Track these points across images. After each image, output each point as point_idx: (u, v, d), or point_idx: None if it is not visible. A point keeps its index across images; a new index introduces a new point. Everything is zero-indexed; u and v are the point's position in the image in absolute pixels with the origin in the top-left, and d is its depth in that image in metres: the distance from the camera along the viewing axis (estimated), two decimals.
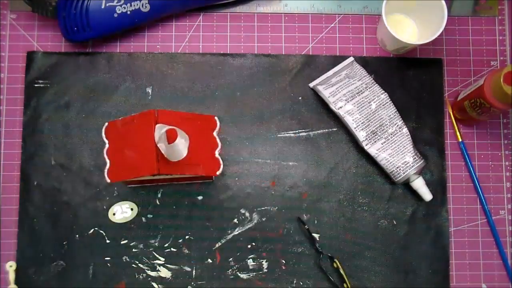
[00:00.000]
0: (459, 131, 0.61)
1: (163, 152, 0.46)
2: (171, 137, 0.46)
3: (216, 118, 0.53)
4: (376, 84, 0.59)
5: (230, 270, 0.58)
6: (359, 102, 0.58)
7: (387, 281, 0.58)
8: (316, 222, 0.59)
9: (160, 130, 0.45)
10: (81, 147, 0.59)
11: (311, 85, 0.61)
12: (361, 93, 0.58)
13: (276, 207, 0.59)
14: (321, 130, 0.60)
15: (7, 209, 0.59)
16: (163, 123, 0.47)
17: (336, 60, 0.61)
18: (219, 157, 0.52)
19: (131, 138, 0.49)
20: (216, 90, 0.61)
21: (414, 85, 0.61)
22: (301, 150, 0.60)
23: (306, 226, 0.58)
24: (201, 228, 0.58)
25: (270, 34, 0.62)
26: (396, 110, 0.58)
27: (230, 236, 0.58)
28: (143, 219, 0.58)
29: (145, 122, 0.48)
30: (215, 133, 0.52)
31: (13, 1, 0.61)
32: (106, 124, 0.52)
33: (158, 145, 0.45)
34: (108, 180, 0.50)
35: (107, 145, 0.51)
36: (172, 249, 0.58)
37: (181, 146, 0.46)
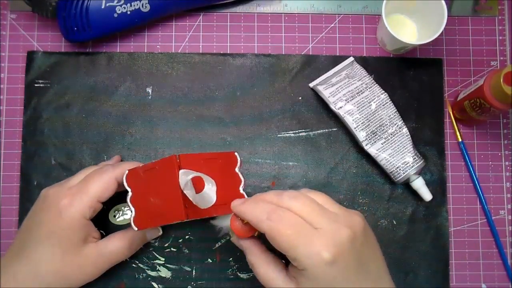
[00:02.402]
0: (459, 131, 0.61)
1: (191, 199, 0.45)
2: (198, 187, 0.45)
3: (236, 154, 0.52)
4: (376, 84, 0.59)
5: (230, 270, 0.58)
6: (359, 102, 0.58)
7: None
8: None
9: (185, 177, 0.44)
10: (81, 147, 0.59)
11: (311, 85, 0.61)
12: (361, 93, 0.58)
13: None
14: (321, 130, 0.60)
15: (7, 209, 0.59)
16: (185, 167, 0.46)
17: (336, 60, 0.61)
18: (244, 193, 0.51)
19: (155, 185, 0.48)
20: (216, 90, 0.61)
21: (414, 85, 0.61)
22: (301, 150, 0.60)
23: None
24: (201, 228, 0.58)
25: (270, 34, 0.62)
26: (396, 110, 0.58)
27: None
28: None
29: (167, 169, 0.47)
30: (237, 169, 0.52)
31: (13, 1, 0.61)
32: (127, 172, 0.51)
33: (185, 192, 0.44)
34: (136, 229, 0.50)
35: (130, 193, 0.50)
36: (172, 249, 0.58)
37: (210, 193, 0.46)
